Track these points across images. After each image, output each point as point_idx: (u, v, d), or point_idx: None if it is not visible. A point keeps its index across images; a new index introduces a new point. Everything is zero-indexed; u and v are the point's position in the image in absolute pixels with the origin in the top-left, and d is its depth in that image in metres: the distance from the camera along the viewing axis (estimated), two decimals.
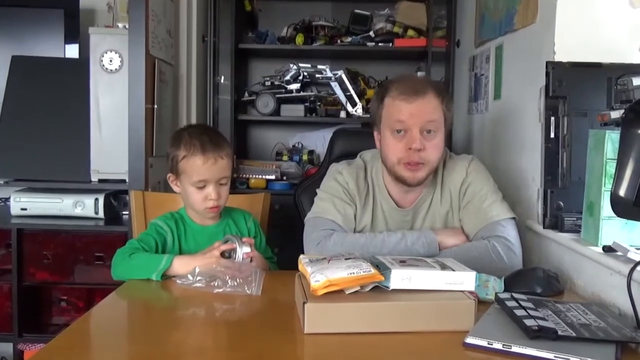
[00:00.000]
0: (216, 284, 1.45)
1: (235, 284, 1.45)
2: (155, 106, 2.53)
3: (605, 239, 1.48)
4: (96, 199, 2.54)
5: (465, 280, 1.25)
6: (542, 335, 1.11)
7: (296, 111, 3.34)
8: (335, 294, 1.20)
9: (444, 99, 1.71)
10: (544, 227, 1.75)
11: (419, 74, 3.24)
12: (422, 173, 1.69)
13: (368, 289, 1.24)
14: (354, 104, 3.21)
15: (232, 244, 1.61)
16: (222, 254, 1.59)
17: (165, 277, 1.56)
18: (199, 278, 1.47)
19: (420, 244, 1.67)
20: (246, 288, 1.44)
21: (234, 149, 3.24)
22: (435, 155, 1.69)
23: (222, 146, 1.72)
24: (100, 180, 2.55)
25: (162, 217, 1.77)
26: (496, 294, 1.35)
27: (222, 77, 3.30)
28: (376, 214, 1.80)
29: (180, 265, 1.57)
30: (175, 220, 1.76)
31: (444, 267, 1.28)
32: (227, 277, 1.46)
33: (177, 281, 1.49)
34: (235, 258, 1.60)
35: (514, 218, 1.72)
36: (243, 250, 1.61)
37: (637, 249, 1.39)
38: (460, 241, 1.70)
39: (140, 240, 1.68)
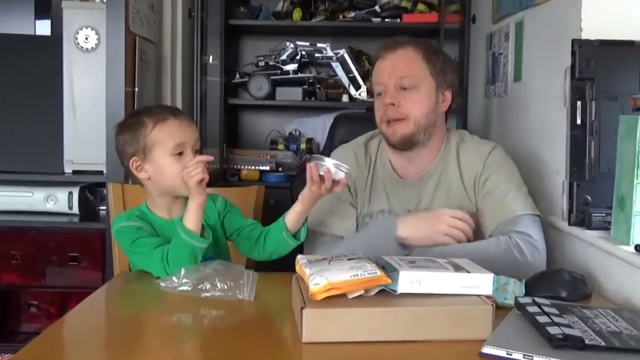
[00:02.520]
0: (204, 288, 1.45)
1: (226, 287, 1.45)
2: (136, 89, 2.52)
3: (638, 237, 1.48)
4: (70, 193, 2.53)
5: (481, 283, 1.25)
6: (567, 345, 1.10)
7: (293, 95, 3.33)
8: (336, 299, 1.19)
9: (427, 52, 1.79)
10: (569, 224, 1.75)
11: None
12: (403, 129, 1.76)
13: (373, 292, 1.24)
14: (357, 87, 3.20)
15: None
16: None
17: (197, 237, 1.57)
18: (184, 281, 1.46)
19: (379, 235, 1.69)
20: (237, 292, 1.44)
21: (223, 136, 3.25)
22: (417, 109, 1.76)
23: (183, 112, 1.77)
24: (74, 172, 2.54)
25: (123, 218, 1.70)
26: (516, 298, 1.34)
27: (211, 57, 3.28)
28: (376, 191, 1.85)
29: (195, 223, 1.58)
30: (138, 218, 1.71)
31: (458, 268, 1.28)
32: (216, 280, 1.46)
33: (161, 284, 1.48)
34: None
35: (538, 216, 1.72)
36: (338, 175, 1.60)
37: None
38: (425, 234, 1.67)
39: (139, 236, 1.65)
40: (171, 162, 1.67)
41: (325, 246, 1.75)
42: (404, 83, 1.75)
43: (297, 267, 1.34)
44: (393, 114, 1.76)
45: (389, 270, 1.26)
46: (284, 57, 3.32)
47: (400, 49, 1.79)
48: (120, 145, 1.72)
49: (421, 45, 1.81)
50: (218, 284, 1.45)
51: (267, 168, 3.23)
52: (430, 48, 1.82)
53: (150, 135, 1.67)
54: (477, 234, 1.73)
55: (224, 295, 1.43)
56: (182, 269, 1.49)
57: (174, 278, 1.47)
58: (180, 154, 1.67)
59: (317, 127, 3.56)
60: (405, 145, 1.78)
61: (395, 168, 1.85)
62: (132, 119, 1.72)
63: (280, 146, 3.47)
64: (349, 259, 1.30)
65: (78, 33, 2.49)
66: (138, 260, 1.66)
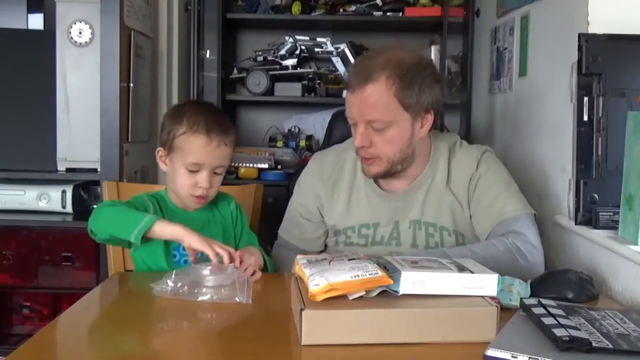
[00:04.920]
0: (200, 291, 1.44)
1: (223, 290, 1.44)
2: (131, 85, 2.51)
3: None
4: (63, 191, 2.53)
5: (486, 283, 1.24)
6: (574, 347, 1.10)
7: (292, 90, 3.32)
8: (336, 300, 1.19)
9: (402, 84, 1.65)
10: (576, 223, 1.75)
11: (433, 47, 3.22)
12: (376, 168, 1.74)
13: (374, 294, 1.24)
14: None
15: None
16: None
17: (144, 243, 1.54)
18: (179, 284, 1.46)
19: None
20: (235, 295, 1.43)
21: None
22: (389, 149, 1.71)
23: (229, 131, 1.74)
24: (68, 170, 2.54)
25: (142, 194, 1.76)
26: (521, 299, 1.34)
27: (208, 52, 3.28)
28: (357, 204, 1.83)
29: (162, 227, 1.54)
30: (156, 200, 1.75)
31: (461, 269, 1.27)
32: (212, 284, 1.45)
33: (155, 287, 1.48)
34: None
35: (533, 214, 1.74)
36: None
37: None
38: None
39: (121, 203, 1.68)
40: (184, 174, 1.69)
41: (278, 250, 1.92)
42: (375, 125, 1.68)
43: (297, 268, 1.34)
44: (364, 154, 1.73)
45: (391, 271, 1.26)
46: (283, 51, 3.32)
47: (369, 85, 1.64)
48: (162, 124, 1.77)
49: (396, 74, 1.65)
50: (214, 287, 1.45)
51: (266, 166, 3.22)
52: (407, 75, 1.66)
53: (178, 139, 1.69)
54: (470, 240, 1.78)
55: (220, 299, 1.42)
56: (174, 272, 1.48)
57: (168, 282, 1.46)
58: (196, 170, 1.68)
59: (317, 123, 3.55)
60: (382, 177, 1.79)
61: (380, 181, 1.83)
62: (179, 110, 1.75)
63: (279, 143, 3.45)
64: (350, 259, 1.30)
65: (71, 27, 2.49)
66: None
